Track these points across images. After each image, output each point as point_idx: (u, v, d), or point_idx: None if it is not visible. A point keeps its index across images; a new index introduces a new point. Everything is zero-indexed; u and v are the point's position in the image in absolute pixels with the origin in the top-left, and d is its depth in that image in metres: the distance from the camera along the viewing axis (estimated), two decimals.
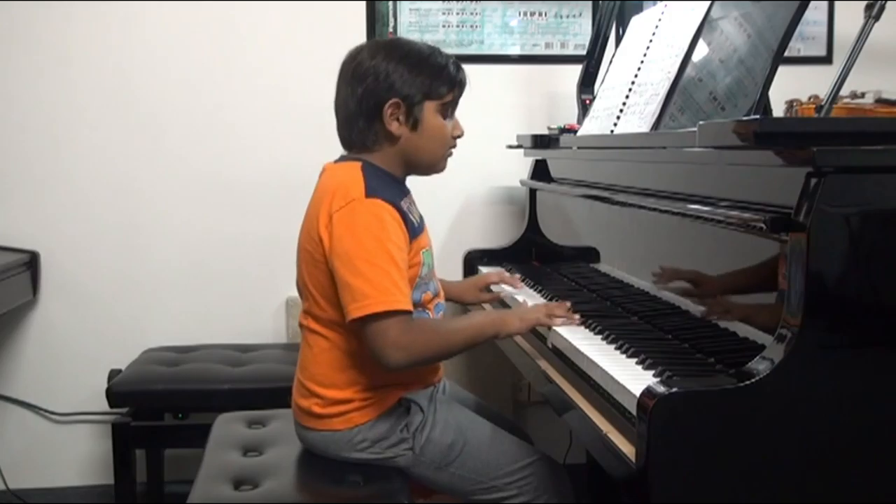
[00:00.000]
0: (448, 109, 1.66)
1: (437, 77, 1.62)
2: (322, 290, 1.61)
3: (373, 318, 1.50)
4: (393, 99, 1.59)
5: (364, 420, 1.63)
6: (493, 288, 2.09)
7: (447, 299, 1.97)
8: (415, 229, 1.63)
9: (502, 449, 1.70)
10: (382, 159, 1.65)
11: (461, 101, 1.72)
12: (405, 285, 1.55)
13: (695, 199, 1.51)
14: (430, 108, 1.62)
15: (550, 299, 2.00)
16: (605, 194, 1.92)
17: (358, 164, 1.62)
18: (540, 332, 1.76)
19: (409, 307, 1.54)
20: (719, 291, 1.47)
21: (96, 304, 2.73)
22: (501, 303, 2.12)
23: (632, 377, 1.34)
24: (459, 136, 1.70)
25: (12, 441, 2.74)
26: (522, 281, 2.18)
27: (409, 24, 2.77)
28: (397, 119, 1.61)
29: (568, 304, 1.73)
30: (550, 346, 1.69)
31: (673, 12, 1.96)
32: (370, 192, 1.55)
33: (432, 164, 1.69)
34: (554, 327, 1.67)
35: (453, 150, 1.71)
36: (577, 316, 1.70)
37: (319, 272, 1.60)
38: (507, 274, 2.18)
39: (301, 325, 1.70)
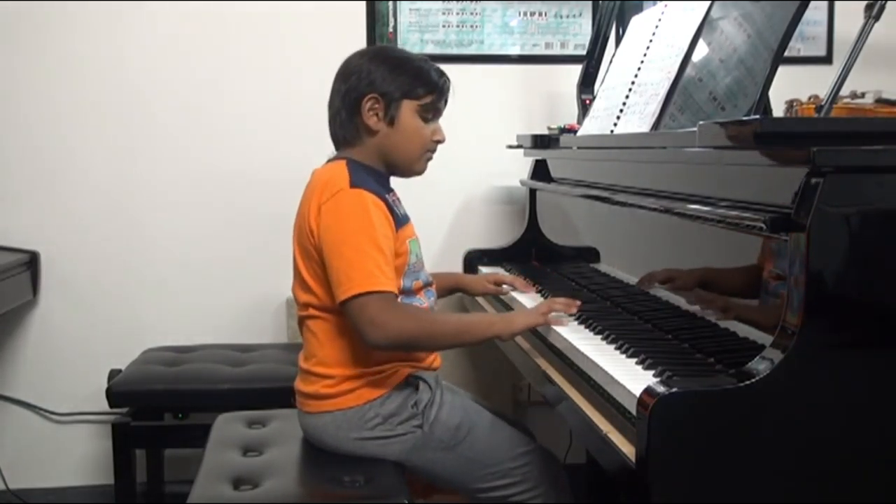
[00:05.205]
0: (429, 113, 1.73)
1: (417, 78, 1.70)
2: (319, 281, 1.66)
3: (353, 297, 1.57)
4: (371, 94, 1.67)
5: (375, 395, 1.66)
6: (505, 287, 2.10)
7: (457, 290, 2.11)
8: (399, 219, 1.69)
9: (505, 434, 1.76)
10: (363, 154, 1.72)
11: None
12: (390, 270, 1.61)
13: (695, 199, 1.51)
14: (407, 108, 1.70)
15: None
16: (605, 194, 1.92)
17: (342, 162, 1.70)
18: (540, 332, 1.76)
19: (391, 288, 1.60)
20: (719, 291, 1.47)
21: (96, 304, 2.73)
22: (503, 303, 2.13)
23: (632, 377, 1.34)
24: (440, 142, 1.76)
25: (12, 441, 2.73)
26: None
27: (409, 24, 2.77)
28: (376, 114, 1.69)
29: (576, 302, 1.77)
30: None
31: (673, 12, 1.96)
32: (354, 184, 1.63)
33: (409, 164, 1.75)
34: (554, 327, 1.68)
35: (433, 154, 1.77)
36: (577, 302, 1.75)
37: (315, 263, 1.66)
38: (522, 279, 2.14)
39: (301, 320, 1.73)
